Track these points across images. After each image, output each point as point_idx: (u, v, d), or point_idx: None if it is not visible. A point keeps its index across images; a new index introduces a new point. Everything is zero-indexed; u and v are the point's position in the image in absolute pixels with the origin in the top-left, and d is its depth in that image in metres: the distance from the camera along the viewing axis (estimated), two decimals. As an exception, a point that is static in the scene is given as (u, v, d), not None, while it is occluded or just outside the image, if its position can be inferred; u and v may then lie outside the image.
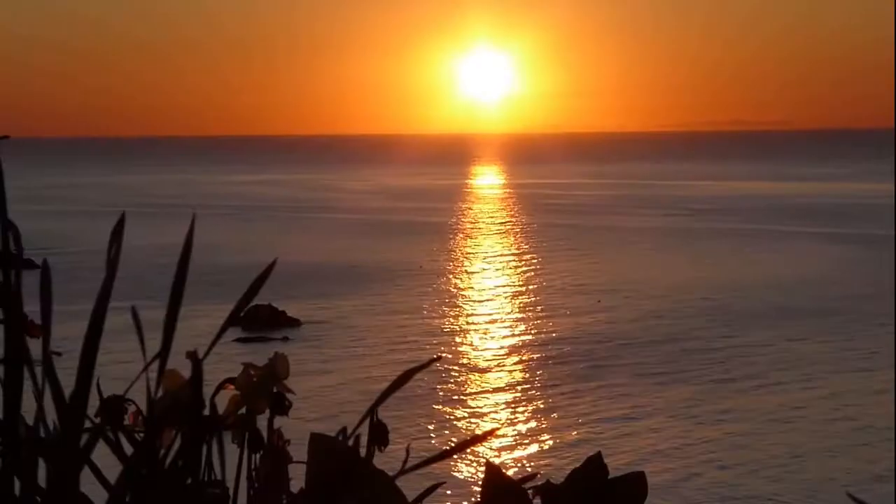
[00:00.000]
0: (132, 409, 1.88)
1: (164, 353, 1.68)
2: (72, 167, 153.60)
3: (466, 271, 43.74)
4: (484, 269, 44.52)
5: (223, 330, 1.70)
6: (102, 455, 1.72)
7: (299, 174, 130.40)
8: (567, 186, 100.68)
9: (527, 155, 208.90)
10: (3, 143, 1.95)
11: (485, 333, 30.90)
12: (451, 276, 41.76)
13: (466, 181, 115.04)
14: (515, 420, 22.18)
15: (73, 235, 54.25)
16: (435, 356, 1.76)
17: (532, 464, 19.14)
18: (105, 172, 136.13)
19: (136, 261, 38.92)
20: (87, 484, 1.72)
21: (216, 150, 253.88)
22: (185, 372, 1.77)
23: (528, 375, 25.91)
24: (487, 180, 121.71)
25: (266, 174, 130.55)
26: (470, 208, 77.13)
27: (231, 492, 1.92)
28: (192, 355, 1.65)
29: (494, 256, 49.02)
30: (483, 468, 2.41)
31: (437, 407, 22.61)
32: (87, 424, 1.71)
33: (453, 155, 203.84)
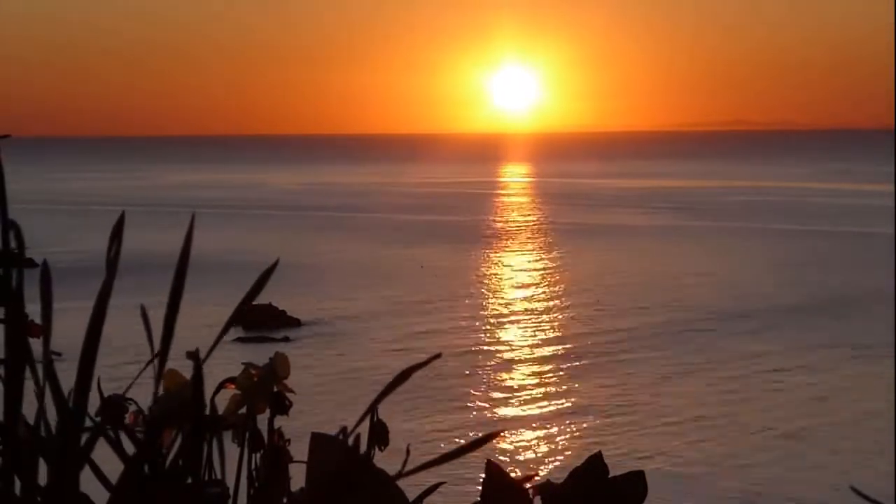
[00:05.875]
0: (133, 408, 1.88)
1: (163, 353, 1.68)
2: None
3: (466, 271, 43.73)
4: (484, 269, 44.52)
5: (226, 329, 1.70)
6: (103, 455, 1.72)
7: (330, 172, 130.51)
8: (568, 185, 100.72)
9: (539, 154, 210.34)
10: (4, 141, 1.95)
11: (484, 332, 30.89)
12: (450, 276, 41.75)
13: (468, 180, 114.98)
14: (515, 418, 22.18)
15: None
16: (435, 354, 1.77)
17: (532, 462, 19.15)
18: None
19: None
20: (88, 484, 1.72)
21: (251, 147, 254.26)
22: (186, 372, 1.77)
23: (527, 374, 25.90)
24: (493, 179, 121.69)
25: (305, 172, 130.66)
26: (471, 207, 77.09)
27: (231, 491, 1.92)
28: (192, 355, 1.65)
29: (495, 256, 49.02)
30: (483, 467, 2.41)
31: (436, 406, 22.61)
32: (89, 424, 1.71)
33: (467, 154, 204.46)
